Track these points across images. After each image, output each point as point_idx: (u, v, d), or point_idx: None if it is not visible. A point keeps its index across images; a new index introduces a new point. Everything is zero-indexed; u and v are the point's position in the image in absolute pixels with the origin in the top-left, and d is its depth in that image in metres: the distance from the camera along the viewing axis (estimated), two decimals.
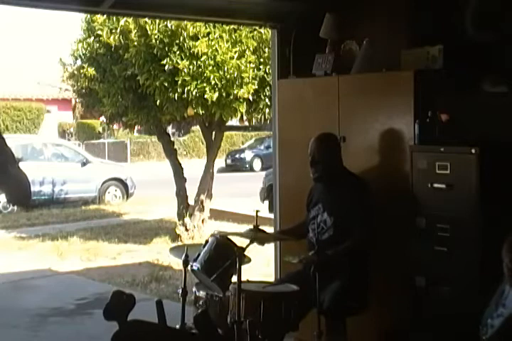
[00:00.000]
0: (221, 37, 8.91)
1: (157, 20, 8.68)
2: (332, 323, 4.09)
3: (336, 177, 4.35)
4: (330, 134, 4.54)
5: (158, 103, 9.00)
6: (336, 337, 4.10)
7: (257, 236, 3.95)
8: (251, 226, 4.09)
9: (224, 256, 3.71)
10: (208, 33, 8.89)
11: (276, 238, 5.01)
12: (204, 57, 8.75)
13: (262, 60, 9.06)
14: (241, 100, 9.01)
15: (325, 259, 3.93)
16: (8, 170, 2.77)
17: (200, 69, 8.76)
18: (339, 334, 4.11)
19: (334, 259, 4.05)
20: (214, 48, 8.79)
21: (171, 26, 8.74)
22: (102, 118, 11.92)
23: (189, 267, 3.88)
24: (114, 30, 9.25)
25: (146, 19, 8.70)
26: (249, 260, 4.04)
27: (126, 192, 15.75)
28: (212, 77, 8.74)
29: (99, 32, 9.32)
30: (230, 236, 3.93)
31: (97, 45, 9.50)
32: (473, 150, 3.89)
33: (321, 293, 3.88)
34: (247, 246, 3.77)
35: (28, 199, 3.16)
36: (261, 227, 4.07)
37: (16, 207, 13.75)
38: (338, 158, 4.40)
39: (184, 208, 10.37)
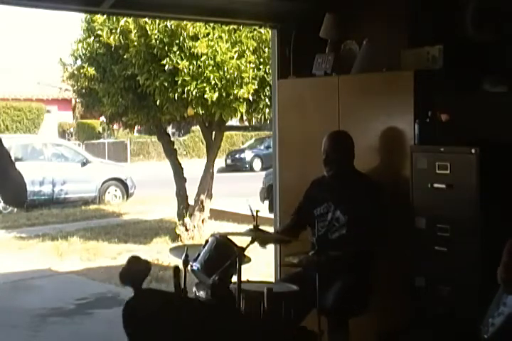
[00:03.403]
0: (221, 37, 8.92)
1: (157, 20, 8.69)
2: (334, 323, 4.09)
3: (348, 175, 4.34)
4: (344, 132, 4.51)
5: (158, 103, 9.00)
6: (338, 337, 4.09)
7: (258, 235, 3.95)
8: (251, 226, 4.09)
9: (224, 256, 3.70)
10: (208, 33, 8.89)
11: (278, 239, 4.97)
12: (204, 57, 8.75)
13: (262, 60, 9.06)
14: (241, 100, 9.01)
15: (325, 260, 3.92)
16: (5, 172, 2.75)
17: (200, 69, 8.76)
18: (341, 335, 4.11)
19: (336, 260, 4.04)
20: (214, 48, 8.79)
21: (171, 26, 8.75)
22: (102, 118, 11.91)
23: (189, 267, 3.87)
24: (114, 30, 9.25)
25: (146, 19, 8.70)
26: (249, 260, 4.03)
27: (126, 192, 15.75)
28: (212, 77, 8.75)
29: (99, 32, 9.33)
30: (229, 236, 3.93)
31: (97, 45, 9.51)
32: (473, 150, 3.89)
33: (324, 293, 3.87)
34: (247, 246, 3.76)
35: (24, 200, 3.13)
36: (261, 227, 4.07)
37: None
38: (351, 157, 4.39)
39: (184, 208, 10.37)
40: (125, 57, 9.14)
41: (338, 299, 4.02)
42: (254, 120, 9.96)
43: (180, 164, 10.62)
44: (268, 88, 8.70)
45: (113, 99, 9.46)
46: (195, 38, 8.83)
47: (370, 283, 4.24)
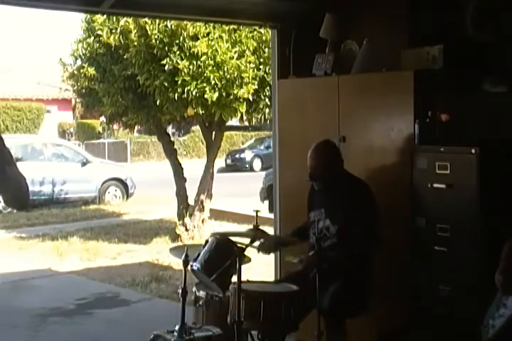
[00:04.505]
0: (221, 37, 8.91)
1: (157, 20, 8.68)
2: (331, 324, 4.08)
3: (338, 182, 4.29)
4: (326, 142, 4.39)
5: (158, 103, 9.00)
6: (336, 337, 4.09)
7: (258, 235, 3.95)
8: (251, 226, 4.09)
9: (224, 256, 3.71)
10: (208, 33, 8.89)
11: (282, 244, 4.90)
12: (204, 57, 8.75)
13: (262, 60, 9.06)
14: (241, 100, 9.00)
15: (325, 260, 3.92)
16: (6, 172, 2.73)
17: (200, 69, 8.76)
18: (339, 335, 4.10)
19: (335, 261, 4.04)
20: (214, 48, 8.79)
21: (171, 26, 8.74)
22: (102, 118, 11.91)
23: (189, 267, 3.88)
24: (114, 30, 9.25)
25: (146, 19, 8.70)
26: (249, 260, 4.04)
27: (126, 192, 15.75)
28: (212, 77, 8.74)
29: (99, 32, 9.32)
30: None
31: (97, 45, 9.51)
32: (473, 150, 3.89)
33: (322, 293, 3.87)
34: (247, 246, 3.77)
35: (25, 202, 3.07)
36: (261, 227, 4.06)
37: None
38: (338, 165, 4.31)
39: (184, 208, 10.37)
40: (125, 57, 9.13)
41: (334, 300, 4.02)
42: (254, 120, 9.95)
43: (180, 164, 10.62)
44: (268, 88, 8.69)
45: (113, 99, 9.46)
46: (195, 37, 8.82)
47: (368, 285, 4.23)
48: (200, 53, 8.72)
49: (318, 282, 3.78)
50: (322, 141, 4.42)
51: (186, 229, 10.20)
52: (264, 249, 4.29)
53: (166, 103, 8.99)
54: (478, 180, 3.89)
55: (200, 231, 10.23)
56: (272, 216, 5.87)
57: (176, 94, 8.80)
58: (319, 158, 4.28)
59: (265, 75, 8.94)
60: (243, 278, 3.71)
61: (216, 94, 8.78)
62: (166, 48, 8.82)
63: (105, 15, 8.96)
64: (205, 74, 8.76)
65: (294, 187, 5.25)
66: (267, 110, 9.07)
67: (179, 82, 8.76)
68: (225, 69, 8.78)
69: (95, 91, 9.80)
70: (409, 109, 4.36)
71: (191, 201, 10.46)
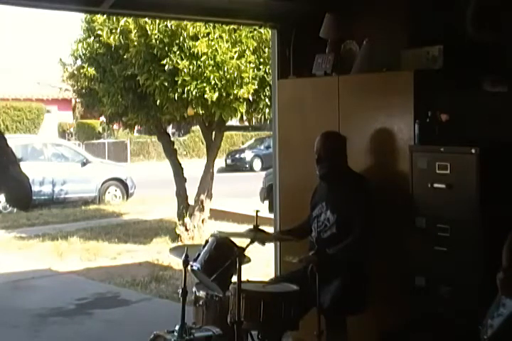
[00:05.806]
0: (221, 37, 8.92)
1: (157, 20, 8.69)
2: (332, 323, 4.09)
3: (340, 175, 4.35)
4: (336, 133, 4.55)
5: (158, 103, 9.00)
6: (336, 336, 4.10)
7: (257, 236, 3.94)
8: (251, 226, 4.09)
9: (224, 256, 3.71)
10: (208, 33, 8.89)
11: (278, 238, 4.99)
12: (204, 57, 8.75)
13: (262, 60, 9.06)
14: (241, 100, 9.01)
15: (325, 259, 3.93)
16: (9, 171, 2.74)
17: (200, 69, 8.76)
18: (339, 334, 4.11)
19: (334, 259, 4.05)
20: (214, 48, 8.79)
21: (171, 26, 8.75)
22: (102, 118, 11.91)
23: (189, 267, 3.88)
24: (114, 30, 9.25)
25: (146, 19, 8.70)
26: (249, 260, 4.04)
27: (126, 192, 15.75)
28: (212, 77, 8.74)
29: (99, 32, 9.33)
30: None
31: (97, 45, 9.51)
32: (473, 150, 3.89)
33: (321, 292, 3.88)
34: (247, 246, 3.77)
35: (28, 201, 3.09)
36: (261, 227, 4.06)
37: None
38: (343, 157, 4.40)
39: (184, 208, 10.37)
40: (125, 57, 9.14)
41: (334, 298, 4.02)
42: (254, 120, 9.96)
43: (180, 164, 10.62)
44: (268, 88, 8.69)
45: (113, 99, 9.46)
46: (195, 37, 8.83)
47: (368, 283, 4.23)
48: (200, 53, 8.73)
49: (318, 281, 3.79)
50: (333, 131, 4.56)
51: (186, 229, 10.20)
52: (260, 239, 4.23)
53: (166, 103, 8.99)
54: (478, 180, 3.88)
55: (200, 231, 10.23)
56: (272, 216, 5.87)
57: (176, 94, 8.81)
58: (328, 141, 4.38)
59: (265, 75, 8.94)
60: (243, 278, 3.71)
61: (216, 94, 8.78)
62: (166, 48, 8.82)
63: (105, 15, 8.97)
64: (205, 74, 8.77)
65: (294, 187, 5.25)
66: (267, 110, 9.08)
67: (179, 82, 8.76)
68: (225, 69, 8.78)
69: (95, 91, 9.80)
70: (409, 109, 4.35)
71: (191, 201, 10.46)
